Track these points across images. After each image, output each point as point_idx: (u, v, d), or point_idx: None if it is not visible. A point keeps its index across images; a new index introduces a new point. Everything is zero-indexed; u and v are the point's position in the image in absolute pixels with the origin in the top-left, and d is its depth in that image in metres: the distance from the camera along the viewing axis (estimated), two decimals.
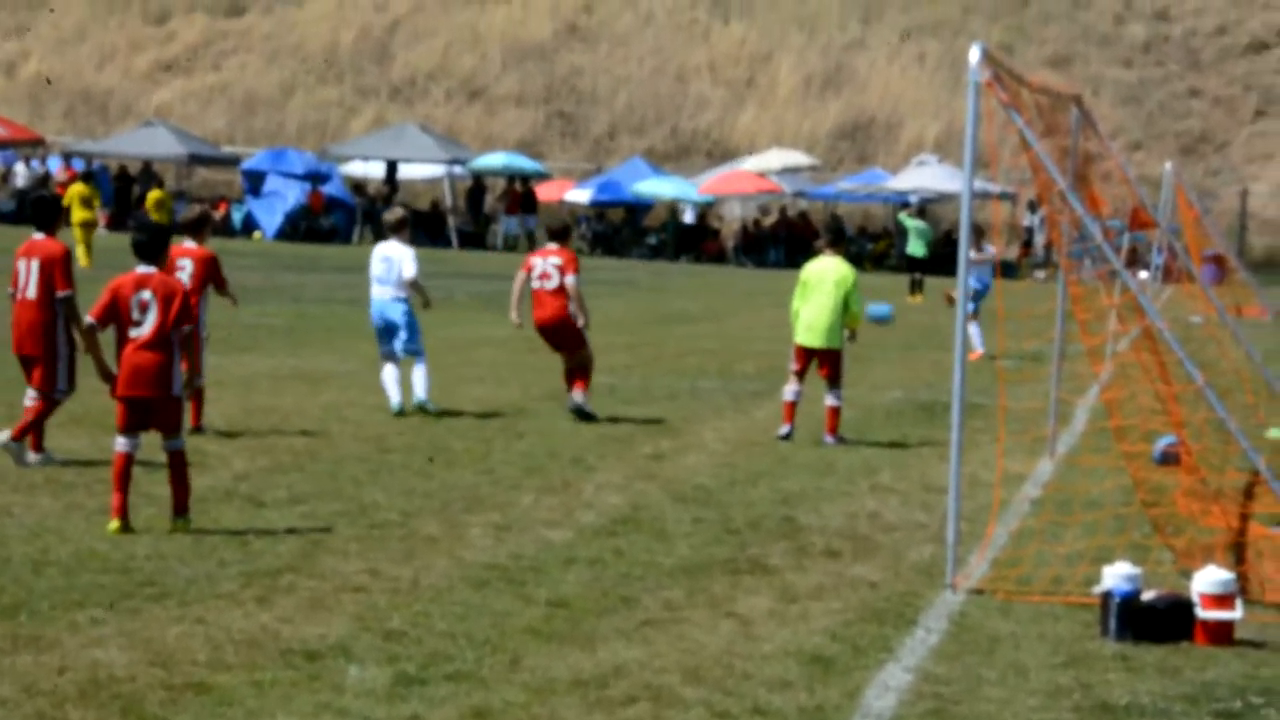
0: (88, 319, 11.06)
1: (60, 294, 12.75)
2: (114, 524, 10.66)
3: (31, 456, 12.87)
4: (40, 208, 13.49)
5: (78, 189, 39.93)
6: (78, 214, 38.70)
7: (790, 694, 8.01)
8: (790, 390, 16.15)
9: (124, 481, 10.74)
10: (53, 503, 11.42)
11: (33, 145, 57.82)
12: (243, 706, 7.35)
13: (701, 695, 7.90)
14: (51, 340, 12.77)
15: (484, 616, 9.11)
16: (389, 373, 16.78)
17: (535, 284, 17.04)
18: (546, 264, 17.07)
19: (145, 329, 10.85)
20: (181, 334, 10.92)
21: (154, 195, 46.93)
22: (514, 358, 22.77)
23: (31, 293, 12.83)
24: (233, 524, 11.12)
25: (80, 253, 36.89)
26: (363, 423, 16.06)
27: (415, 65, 67.84)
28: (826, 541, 11.54)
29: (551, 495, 12.82)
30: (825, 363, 16.11)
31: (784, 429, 16.06)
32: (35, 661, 7.82)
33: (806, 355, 16.12)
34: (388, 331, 16.91)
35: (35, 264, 12.85)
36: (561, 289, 16.96)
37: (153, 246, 11.10)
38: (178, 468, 10.89)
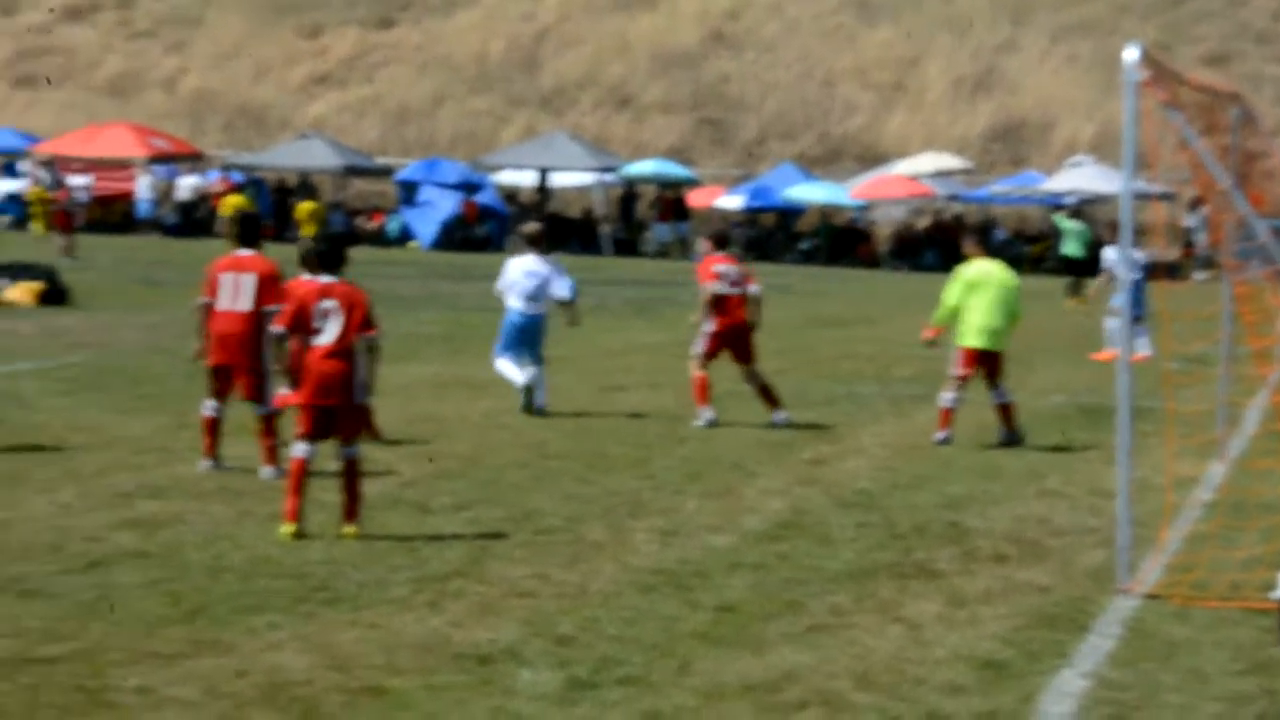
0: (276, 327, 11.24)
1: (268, 308, 12.85)
2: (289, 528, 10.81)
3: (205, 464, 13.13)
4: (246, 225, 13.65)
5: (234, 200, 40.72)
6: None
7: (964, 699, 7.94)
8: (949, 397, 16.03)
9: (301, 487, 10.90)
10: (226, 509, 11.60)
11: (193, 159, 58.91)
12: (418, 710, 7.42)
13: (874, 701, 7.85)
14: (262, 354, 12.95)
15: (652, 621, 9.12)
16: (506, 362, 17.49)
17: (729, 289, 17.12)
18: (733, 271, 17.25)
19: (329, 337, 11.01)
20: (366, 342, 11.09)
21: (305, 206, 46.83)
22: (669, 363, 22.77)
23: (245, 305, 13.00)
24: (401, 530, 11.23)
25: None
26: (522, 430, 16.15)
27: (564, 74, 68.19)
28: (994, 546, 11.42)
29: (714, 500, 12.82)
30: (990, 364, 16.09)
31: (941, 434, 15.94)
32: (216, 665, 7.95)
33: (977, 359, 16.06)
34: (522, 342, 17.53)
35: (251, 279, 13.02)
36: (746, 296, 17.12)
37: (334, 256, 11.29)
38: (353, 475, 11.03)
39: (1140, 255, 26.97)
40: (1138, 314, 24.59)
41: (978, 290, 16.07)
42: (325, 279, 11.22)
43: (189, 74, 69.00)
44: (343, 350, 11.02)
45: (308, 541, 10.71)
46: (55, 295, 29.00)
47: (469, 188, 56.72)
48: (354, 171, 60.29)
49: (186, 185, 56.73)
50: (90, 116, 64.61)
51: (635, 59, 68.20)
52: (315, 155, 58.52)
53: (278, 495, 11.92)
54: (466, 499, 12.45)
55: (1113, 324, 26.70)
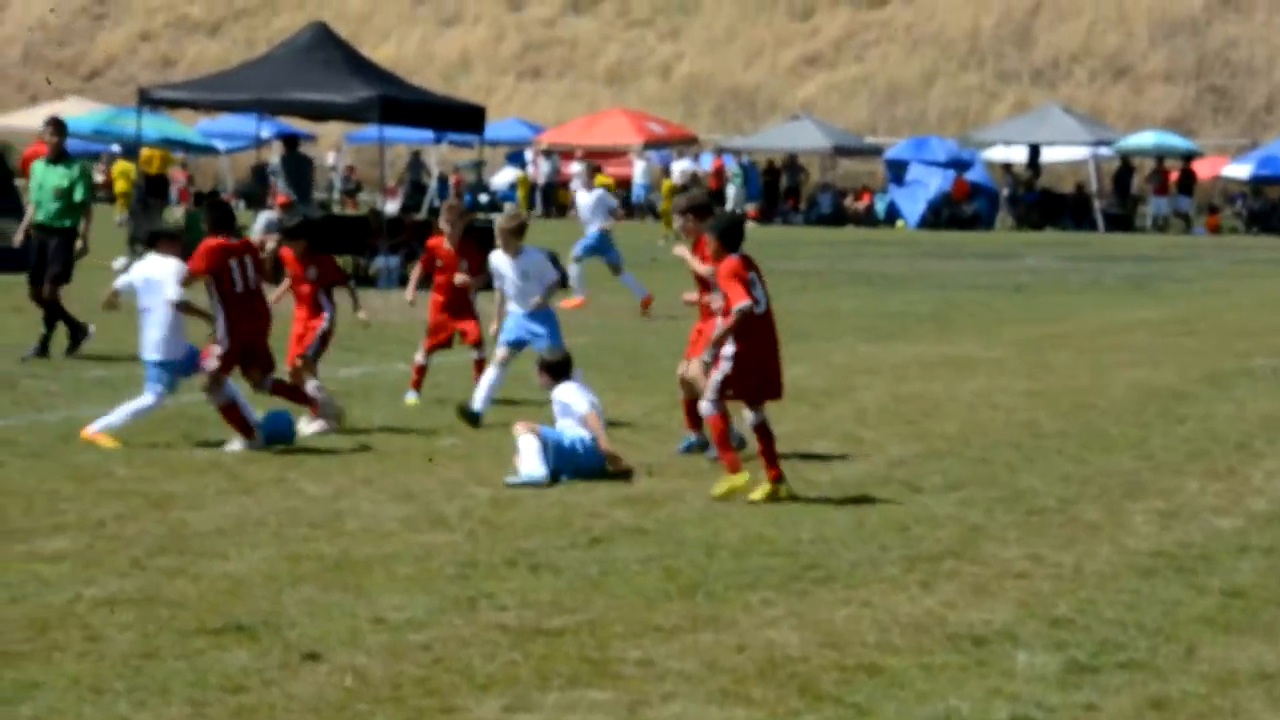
0: (745, 303, 11.34)
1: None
2: (743, 477, 11.32)
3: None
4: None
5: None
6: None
7: None
8: None
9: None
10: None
11: (686, 143, 60.21)
12: (913, 689, 7.39)
13: None
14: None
15: (1154, 605, 8.86)
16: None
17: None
18: None
19: (763, 305, 11.46)
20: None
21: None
22: (1168, 341, 22.10)
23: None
24: (891, 509, 11.22)
25: None
26: (1014, 408, 15.91)
27: (1059, 46, 66.83)
28: None
29: (1217, 481, 12.36)
30: None
31: None
32: (715, 640, 8.10)
33: None
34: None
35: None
36: None
37: (740, 231, 11.70)
38: (767, 438, 11.45)
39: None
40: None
41: None
42: (737, 255, 11.55)
43: (683, 60, 70.52)
44: (771, 315, 11.50)
45: (799, 520, 10.81)
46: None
47: (958, 165, 56.23)
48: (842, 152, 60.51)
49: (678, 170, 58.00)
50: (590, 105, 66.73)
51: (1134, 27, 66.30)
52: (804, 136, 59.03)
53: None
54: (957, 478, 12.34)
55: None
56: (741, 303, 11.28)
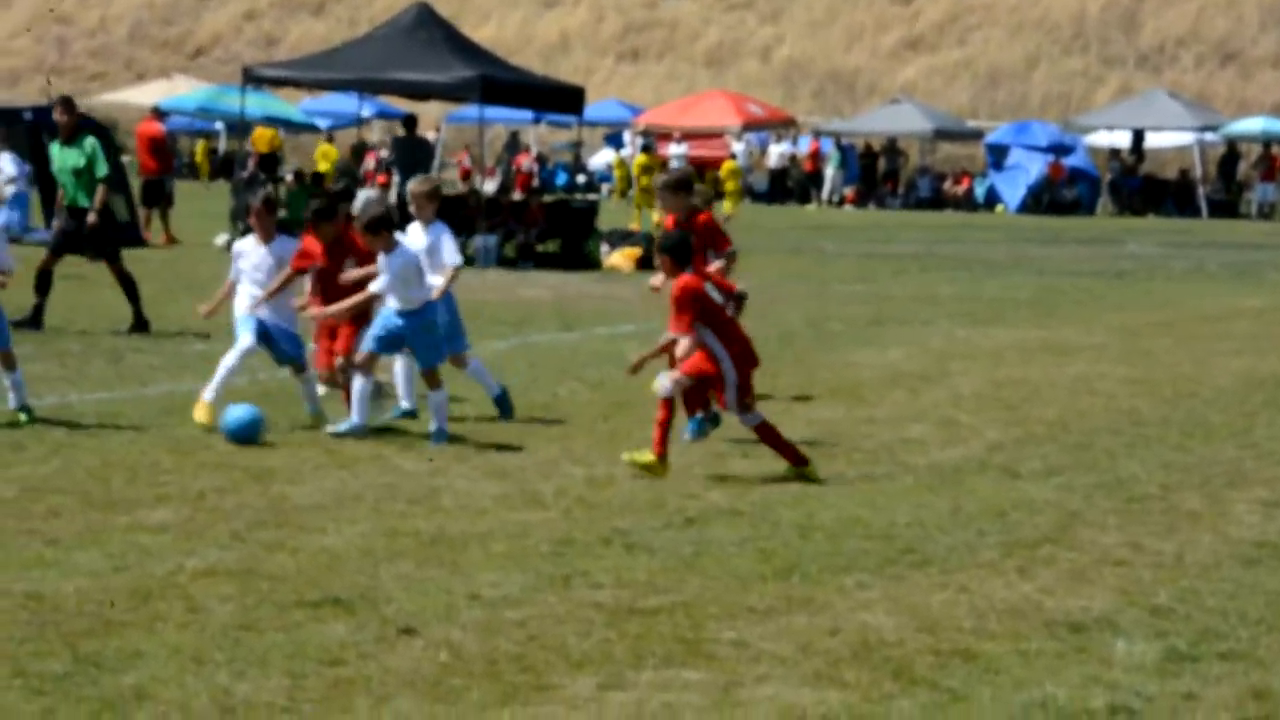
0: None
1: None
2: (649, 458, 11.35)
3: None
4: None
5: (640, 160, 44.02)
6: (644, 180, 42.37)
7: None
8: None
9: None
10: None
11: (785, 126, 59.99)
12: (1010, 675, 7.35)
13: None
14: None
15: (1256, 595, 8.75)
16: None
17: None
18: None
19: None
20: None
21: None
22: (1273, 329, 21.83)
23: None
24: (989, 494, 11.14)
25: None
26: (1114, 395, 15.77)
27: (1165, 31, 66.05)
28: None
29: None
30: None
31: None
32: (809, 622, 8.08)
33: None
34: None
35: None
36: None
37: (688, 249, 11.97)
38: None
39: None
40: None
41: None
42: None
43: (783, 42, 70.27)
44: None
45: (895, 504, 10.76)
46: (652, 261, 30.12)
47: (1059, 150, 55.75)
48: (943, 135, 60.13)
49: (776, 152, 57.82)
50: (689, 87, 66.62)
51: (1243, 11, 65.45)
52: (904, 120, 58.71)
53: (863, 459, 12.12)
54: (1056, 464, 12.25)
55: None
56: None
